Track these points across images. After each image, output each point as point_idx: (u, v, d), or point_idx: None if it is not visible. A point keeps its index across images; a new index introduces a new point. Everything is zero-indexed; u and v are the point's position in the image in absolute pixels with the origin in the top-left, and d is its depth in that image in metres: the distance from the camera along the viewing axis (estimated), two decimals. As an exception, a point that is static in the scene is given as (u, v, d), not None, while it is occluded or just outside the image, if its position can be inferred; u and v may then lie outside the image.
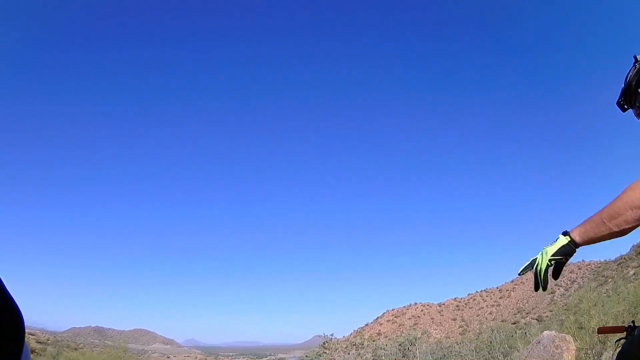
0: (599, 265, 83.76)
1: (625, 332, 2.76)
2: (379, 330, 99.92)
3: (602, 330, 3.23)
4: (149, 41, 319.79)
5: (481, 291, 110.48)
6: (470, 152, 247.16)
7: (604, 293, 31.80)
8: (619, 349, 2.56)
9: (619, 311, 16.26)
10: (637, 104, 2.37)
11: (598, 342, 14.54)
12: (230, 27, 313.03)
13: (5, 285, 1.19)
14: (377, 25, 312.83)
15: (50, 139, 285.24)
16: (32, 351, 38.41)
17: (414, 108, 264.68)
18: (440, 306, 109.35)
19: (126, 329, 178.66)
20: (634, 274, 43.49)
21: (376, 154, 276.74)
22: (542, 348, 14.88)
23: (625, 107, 2.47)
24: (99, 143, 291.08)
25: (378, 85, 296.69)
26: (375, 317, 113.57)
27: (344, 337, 45.12)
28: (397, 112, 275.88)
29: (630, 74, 2.39)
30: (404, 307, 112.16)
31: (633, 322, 2.77)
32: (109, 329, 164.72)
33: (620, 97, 2.45)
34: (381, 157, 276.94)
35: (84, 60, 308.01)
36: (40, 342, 49.10)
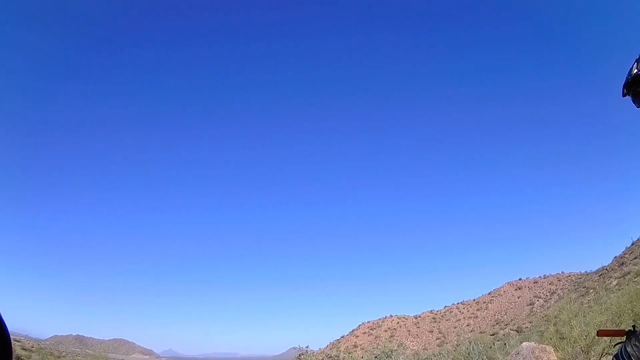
0: (579, 276, 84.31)
1: (625, 336, 2.76)
2: (355, 342, 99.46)
3: (602, 333, 3.16)
4: (147, 41, 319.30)
5: (458, 303, 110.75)
6: (448, 165, 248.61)
7: (585, 304, 31.60)
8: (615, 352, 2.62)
9: (601, 321, 15.94)
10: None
11: (581, 352, 14.11)
12: (234, 25, 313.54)
13: None
14: (376, 22, 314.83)
15: (29, 140, 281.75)
16: (18, 358, 38.38)
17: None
18: (416, 318, 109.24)
19: (106, 338, 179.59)
20: (617, 284, 43.39)
21: (357, 162, 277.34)
22: (521, 359, 14.42)
23: (625, 92, 2.54)
24: (79, 146, 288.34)
25: (375, 82, 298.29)
26: (351, 329, 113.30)
27: (319, 349, 44.29)
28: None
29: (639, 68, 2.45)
30: (380, 319, 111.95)
31: (634, 326, 2.75)
32: (90, 337, 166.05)
33: (627, 82, 2.52)
34: (360, 168, 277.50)
35: (81, 61, 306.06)
36: (25, 349, 49.46)
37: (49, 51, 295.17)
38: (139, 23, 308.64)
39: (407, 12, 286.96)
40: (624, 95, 2.56)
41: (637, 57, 2.51)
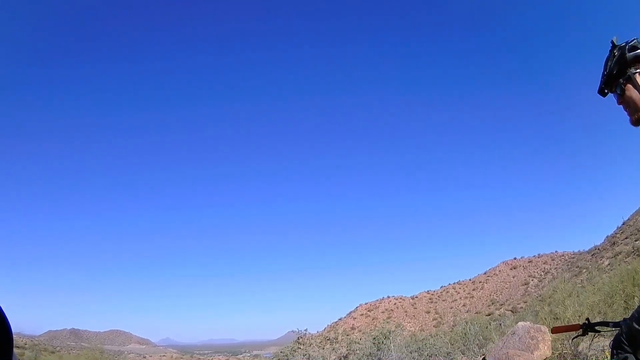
0: (572, 256, 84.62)
1: (581, 330, 2.89)
2: (353, 324, 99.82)
3: (557, 330, 3.22)
4: (150, 46, 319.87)
5: (454, 283, 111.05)
6: (437, 148, 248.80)
7: (579, 284, 31.78)
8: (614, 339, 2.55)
9: (594, 302, 16.06)
10: (618, 91, 2.43)
11: (574, 332, 14.29)
12: (231, 32, 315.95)
13: None
14: (374, 25, 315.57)
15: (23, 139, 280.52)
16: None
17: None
18: (413, 299, 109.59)
19: (102, 330, 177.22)
20: (609, 264, 43.66)
21: (353, 149, 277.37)
22: (517, 339, 14.62)
23: (606, 91, 2.54)
24: (75, 148, 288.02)
25: (369, 85, 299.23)
26: (348, 312, 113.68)
27: (318, 332, 44.58)
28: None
29: (610, 61, 2.46)
30: (377, 300, 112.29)
31: (588, 319, 2.89)
32: (85, 330, 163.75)
33: (602, 84, 2.51)
34: (357, 153, 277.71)
35: (85, 65, 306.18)
36: (18, 347, 48.26)
37: (48, 53, 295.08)
38: (134, 30, 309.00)
39: (406, 17, 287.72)
40: (604, 95, 2.55)
41: (607, 56, 2.49)
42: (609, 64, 2.45)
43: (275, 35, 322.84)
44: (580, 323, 2.93)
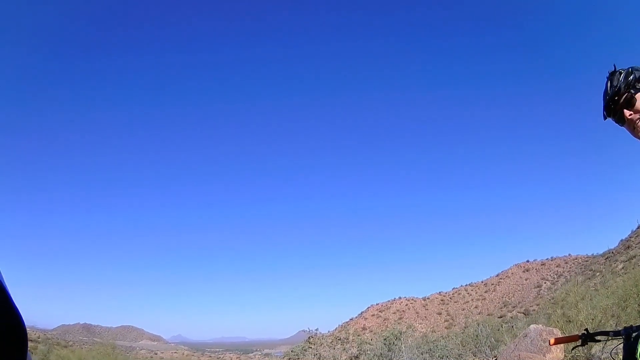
0: (586, 259, 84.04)
1: (580, 341, 2.86)
2: (364, 324, 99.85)
3: (556, 341, 3.19)
4: (149, 45, 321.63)
5: (466, 285, 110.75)
6: (451, 148, 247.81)
7: (592, 287, 31.66)
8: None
9: (607, 305, 16.01)
10: (626, 106, 2.41)
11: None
12: (230, 29, 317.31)
13: (9, 292, 1.19)
14: (374, 25, 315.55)
15: (32, 140, 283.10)
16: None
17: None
18: (425, 300, 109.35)
19: (114, 326, 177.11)
20: (623, 267, 43.48)
21: (361, 150, 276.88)
22: (529, 341, 14.61)
23: (605, 115, 2.55)
24: (88, 144, 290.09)
25: (371, 84, 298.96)
26: (359, 312, 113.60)
27: (329, 332, 44.70)
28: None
29: (614, 83, 2.45)
30: (389, 301, 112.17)
31: (586, 330, 2.88)
32: (97, 325, 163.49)
33: (608, 104, 2.50)
34: (365, 153, 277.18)
35: (87, 65, 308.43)
36: (31, 340, 48.22)
37: (49, 55, 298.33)
38: (135, 27, 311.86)
39: (406, 18, 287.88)
40: (605, 118, 2.57)
41: (607, 75, 2.51)
42: (612, 87, 2.47)
43: (274, 33, 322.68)
44: (579, 334, 2.92)
